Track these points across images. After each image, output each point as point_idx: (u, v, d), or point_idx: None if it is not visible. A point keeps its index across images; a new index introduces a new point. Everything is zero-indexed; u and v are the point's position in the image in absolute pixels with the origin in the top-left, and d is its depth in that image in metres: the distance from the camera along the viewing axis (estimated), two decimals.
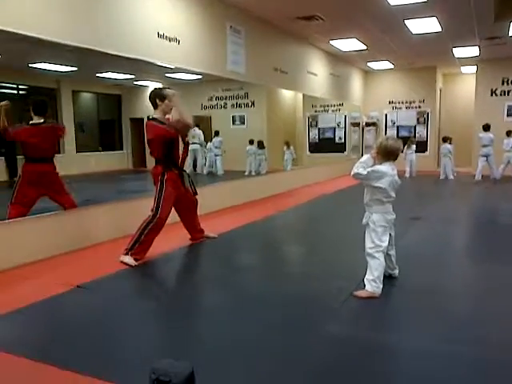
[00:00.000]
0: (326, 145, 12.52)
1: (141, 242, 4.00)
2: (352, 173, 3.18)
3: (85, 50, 4.48)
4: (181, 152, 4.40)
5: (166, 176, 4.15)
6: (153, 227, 4.03)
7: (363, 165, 3.15)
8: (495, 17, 7.29)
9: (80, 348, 2.44)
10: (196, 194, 4.54)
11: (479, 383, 2.05)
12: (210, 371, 2.11)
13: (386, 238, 3.19)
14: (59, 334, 2.64)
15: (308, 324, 2.69)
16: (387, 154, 3.18)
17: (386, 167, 3.17)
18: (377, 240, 3.16)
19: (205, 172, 9.96)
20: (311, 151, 12.25)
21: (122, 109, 10.11)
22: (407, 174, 11.12)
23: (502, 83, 11.77)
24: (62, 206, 4.55)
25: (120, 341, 2.55)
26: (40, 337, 2.61)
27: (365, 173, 3.12)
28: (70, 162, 8.45)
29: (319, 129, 12.59)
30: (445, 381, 2.07)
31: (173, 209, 4.38)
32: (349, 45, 9.73)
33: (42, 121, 4.44)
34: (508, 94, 11.75)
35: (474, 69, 12.27)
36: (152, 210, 4.09)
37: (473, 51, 10.48)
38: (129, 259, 3.95)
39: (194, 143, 9.41)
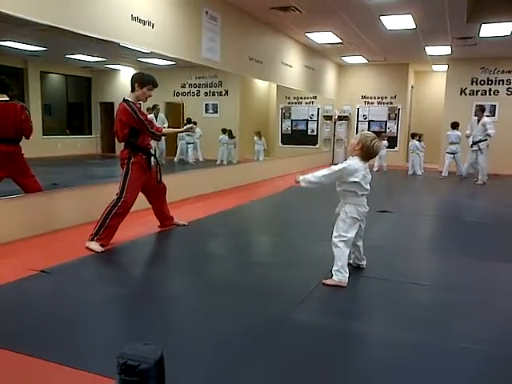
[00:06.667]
0: (298, 137, 12.54)
1: (106, 227, 3.92)
2: (321, 175, 3.18)
3: (55, 30, 4.32)
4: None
5: (132, 159, 4.08)
6: (117, 211, 3.95)
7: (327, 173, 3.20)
8: (467, 18, 7.44)
9: (44, 334, 2.37)
10: (159, 182, 4.42)
11: (442, 371, 2.10)
12: (179, 356, 2.09)
13: (353, 231, 3.21)
14: (22, 319, 2.56)
15: (276, 312, 2.70)
16: (369, 154, 3.23)
17: (358, 163, 3.20)
18: (342, 230, 3.19)
19: (175, 160, 9.86)
20: (283, 143, 12.27)
21: (92, 92, 9.83)
22: (375, 168, 11.26)
23: (472, 83, 12.04)
24: (24, 188, 4.39)
25: (86, 326, 2.50)
26: (2, 323, 2.53)
27: (336, 168, 3.16)
28: (36, 144, 8.18)
29: (292, 121, 12.62)
30: (409, 368, 2.11)
31: (142, 194, 4.31)
32: (324, 38, 9.74)
33: (7, 99, 4.28)
34: (477, 94, 12.01)
35: (445, 67, 12.50)
36: (117, 194, 4.02)
37: (445, 50, 10.67)
38: (95, 245, 3.87)
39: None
